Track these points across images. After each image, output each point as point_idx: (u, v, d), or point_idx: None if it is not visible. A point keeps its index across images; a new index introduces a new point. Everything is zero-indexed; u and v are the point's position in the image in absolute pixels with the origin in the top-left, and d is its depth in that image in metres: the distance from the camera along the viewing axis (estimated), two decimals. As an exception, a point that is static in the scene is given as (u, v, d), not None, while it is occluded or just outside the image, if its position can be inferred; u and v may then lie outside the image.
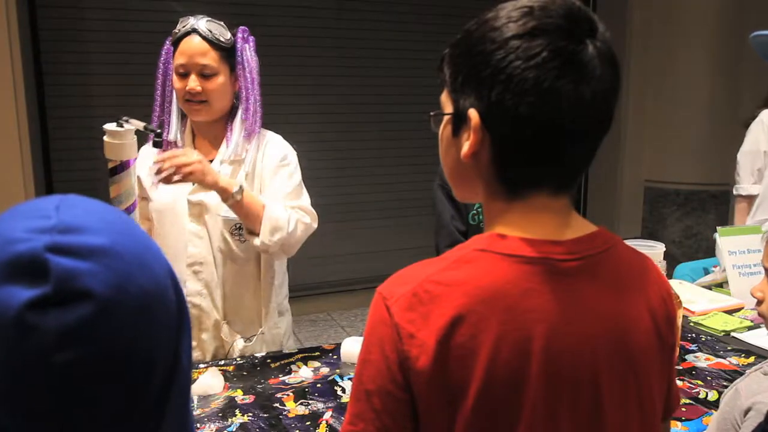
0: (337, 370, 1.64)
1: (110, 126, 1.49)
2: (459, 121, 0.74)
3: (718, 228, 2.33)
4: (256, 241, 1.64)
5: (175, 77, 1.65)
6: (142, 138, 1.77)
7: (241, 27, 1.68)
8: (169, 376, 0.56)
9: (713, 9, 4.43)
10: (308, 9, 4.42)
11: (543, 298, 0.69)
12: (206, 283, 1.73)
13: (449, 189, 1.83)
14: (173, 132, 1.71)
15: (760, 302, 1.20)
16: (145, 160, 1.74)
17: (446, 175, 0.82)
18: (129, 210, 1.56)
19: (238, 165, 1.71)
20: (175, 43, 1.65)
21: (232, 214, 1.66)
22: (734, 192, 2.98)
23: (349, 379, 1.59)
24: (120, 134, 1.49)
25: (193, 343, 1.75)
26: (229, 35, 1.66)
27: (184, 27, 1.64)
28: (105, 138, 1.49)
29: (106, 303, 0.50)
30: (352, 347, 1.71)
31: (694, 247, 4.66)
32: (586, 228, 0.76)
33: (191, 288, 1.72)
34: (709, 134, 4.47)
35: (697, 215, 4.66)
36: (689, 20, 4.47)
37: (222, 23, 1.66)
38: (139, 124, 1.52)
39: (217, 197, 1.63)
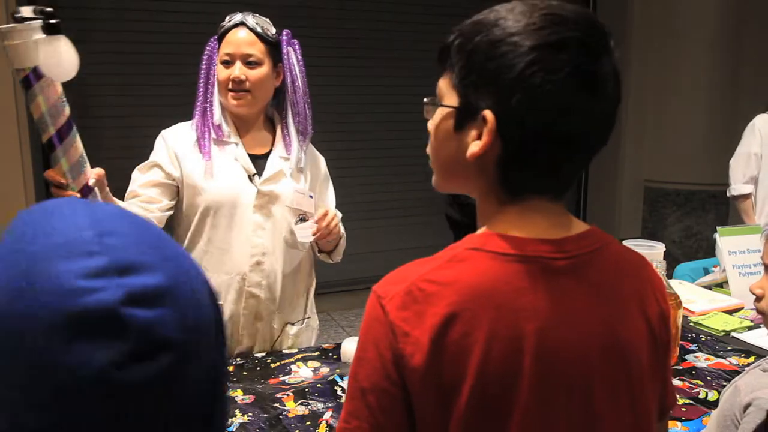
0: (337, 370, 1.64)
1: (4, 26, 1.18)
2: (465, 116, 0.73)
3: (718, 228, 2.33)
4: (329, 261, 1.88)
5: (219, 67, 1.69)
6: (170, 116, 1.75)
7: (285, 30, 1.74)
8: (212, 390, 0.54)
9: (713, 9, 4.43)
10: (309, 9, 4.42)
11: (534, 297, 0.69)
12: (267, 274, 1.75)
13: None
14: (216, 117, 1.71)
15: (759, 299, 1.21)
16: (183, 138, 1.71)
17: (436, 165, 0.80)
18: (64, 131, 1.27)
19: (291, 162, 1.77)
20: (221, 36, 1.69)
21: (299, 207, 1.75)
22: (728, 194, 3.07)
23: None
24: (17, 32, 1.16)
25: (246, 332, 1.78)
26: (274, 30, 1.72)
27: (231, 21, 1.69)
28: (4, 42, 1.17)
29: (183, 347, 0.49)
30: (352, 347, 1.71)
31: (694, 247, 4.66)
32: (579, 227, 0.77)
33: (252, 279, 1.74)
34: (709, 134, 4.47)
35: (697, 215, 4.66)
36: (689, 20, 4.47)
37: (267, 19, 1.72)
38: (27, 9, 1.19)
39: (287, 188, 1.72)
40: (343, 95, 4.61)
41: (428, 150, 0.81)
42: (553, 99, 0.68)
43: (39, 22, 1.17)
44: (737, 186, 3.04)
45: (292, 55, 1.73)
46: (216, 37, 1.72)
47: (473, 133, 0.72)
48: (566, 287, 0.72)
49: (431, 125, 0.79)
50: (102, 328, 0.46)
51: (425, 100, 0.79)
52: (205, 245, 1.72)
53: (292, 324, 1.85)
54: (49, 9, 1.19)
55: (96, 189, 1.39)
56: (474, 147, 0.71)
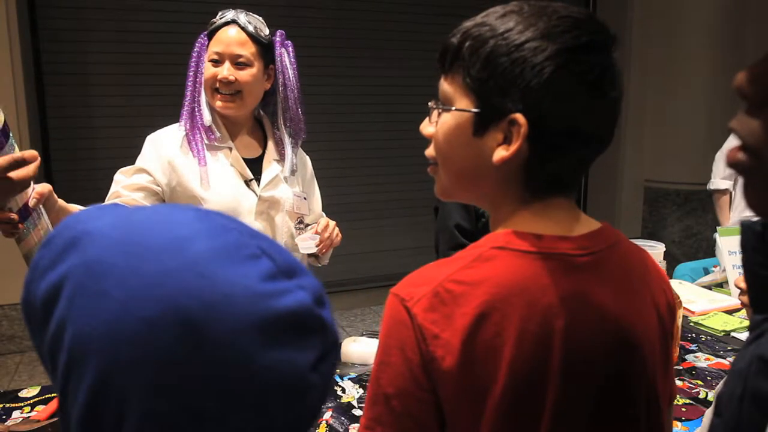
0: (337, 370, 1.64)
1: None
2: (487, 120, 0.71)
3: (718, 228, 2.33)
4: (317, 264, 1.85)
5: (207, 65, 1.63)
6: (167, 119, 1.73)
7: (279, 31, 1.69)
8: None
9: (713, 9, 4.43)
10: (308, 9, 4.42)
11: (560, 293, 0.70)
12: None
13: None
14: (206, 119, 1.65)
15: (744, 292, 1.21)
16: (175, 144, 1.64)
17: (450, 172, 0.78)
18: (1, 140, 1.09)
19: (282, 163, 1.76)
20: (211, 33, 1.64)
21: (298, 211, 1.73)
22: (707, 187, 3.10)
23: (350, 379, 1.59)
24: None
25: None
26: (267, 31, 1.66)
27: (222, 18, 1.63)
28: None
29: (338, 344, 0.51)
30: (352, 347, 1.71)
31: (694, 247, 4.66)
32: (592, 224, 0.78)
33: None
34: (709, 134, 4.47)
35: (697, 215, 4.66)
36: (689, 20, 4.47)
37: (261, 19, 1.66)
38: None
39: (286, 192, 1.71)
40: (343, 95, 4.61)
41: (433, 156, 0.79)
42: (581, 100, 0.69)
43: None
44: (716, 180, 3.07)
45: (286, 58, 1.68)
46: (206, 33, 1.66)
47: (498, 136, 0.71)
48: (588, 283, 0.72)
49: (438, 130, 0.76)
50: (305, 329, 0.46)
51: (430, 104, 0.78)
52: None
53: None
54: None
55: (41, 208, 1.23)
56: (503, 151, 0.71)
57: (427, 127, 0.79)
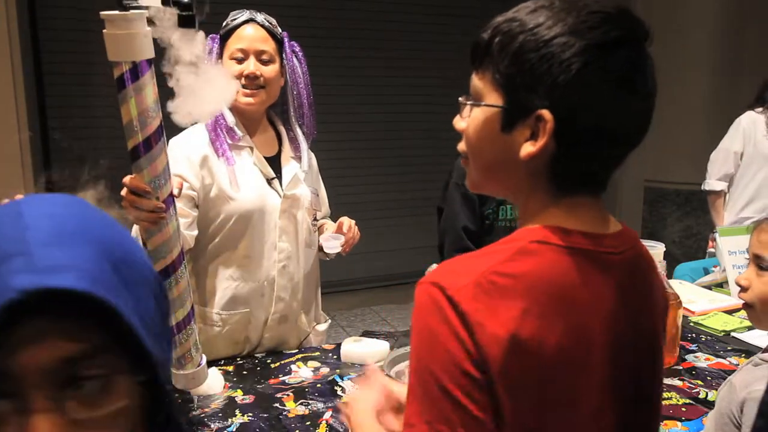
0: (337, 370, 1.64)
1: (109, 12, 1.08)
2: (515, 116, 0.72)
3: (718, 228, 2.33)
4: (326, 258, 1.88)
5: (229, 63, 1.65)
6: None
7: (283, 32, 1.72)
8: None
9: (713, 9, 4.43)
10: (308, 9, 4.42)
11: (598, 290, 0.72)
12: (291, 276, 1.75)
13: (467, 189, 1.78)
14: (230, 120, 1.67)
15: (745, 290, 1.21)
16: (203, 146, 1.64)
17: (478, 166, 0.78)
18: (154, 139, 1.15)
19: (298, 161, 1.78)
20: (228, 33, 1.66)
21: (314, 207, 1.77)
22: (702, 187, 3.10)
23: (349, 379, 1.59)
24: (125, 20, 1.07)
25: (269, 335, 1.76)
26: (280, 30, 1.71)
27: (239, 17, 1.66)
28: (105, 30, 1.11)
29: None
30: (352, 347, 1.72)
31: (694, 247, 4.66)
32: (616, 224, 0.79)
33: (279, 283, 1.73)
34: (709, 134, 4.46)
35: (697, 215, 4.66)
36: (690, 21, 4.47)
37: (273, 19, 1.71)
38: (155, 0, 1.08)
39: (305, 190, 1.75)
40: (344, 95, 4.61)
41: (464, 150, 0.80)
42: (609, 97, 0.69)
43: (145, 11, 1.07)
44: (711, 182, 3.07)
45: (294, 58, 1.73)
46: (215, 35, 1.68)
47: (525, 132, 0.71)
48: (619, 281, 0.74)
49: (469, 125, 0.77)
50: None
51: (460, 99, 0.78)
52: (234, 254, 1.67)
53: (319, 323, 1.90)
54: (186, 0, 1.09)
55: (175, 202, 1.30)
56: (529, 147, 0.71)
57: (458, 122, 0.79)
